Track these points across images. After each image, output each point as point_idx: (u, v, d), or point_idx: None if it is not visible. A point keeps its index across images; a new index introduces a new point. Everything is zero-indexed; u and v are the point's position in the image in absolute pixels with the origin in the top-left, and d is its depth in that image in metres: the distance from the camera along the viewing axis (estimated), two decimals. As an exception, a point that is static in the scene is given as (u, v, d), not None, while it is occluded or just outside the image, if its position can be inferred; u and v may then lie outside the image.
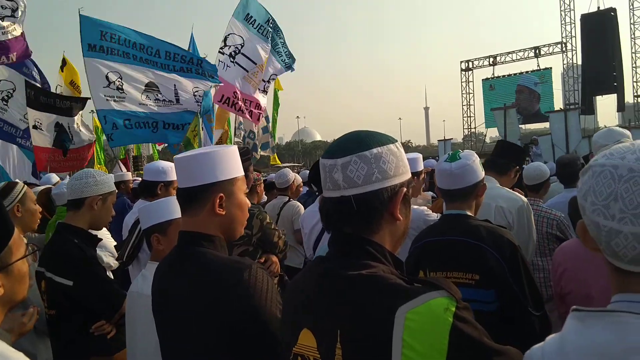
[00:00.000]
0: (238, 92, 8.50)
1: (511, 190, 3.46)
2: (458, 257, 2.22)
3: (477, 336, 1.10)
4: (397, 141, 1.29)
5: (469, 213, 2.33)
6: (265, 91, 9.29)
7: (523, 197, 3.42)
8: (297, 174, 7.23)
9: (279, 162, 14.88)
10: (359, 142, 1.25)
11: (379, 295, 1.12)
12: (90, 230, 2.87)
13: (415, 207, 3.61)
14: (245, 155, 3.38)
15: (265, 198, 6.60)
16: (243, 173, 1.78)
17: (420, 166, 3.90)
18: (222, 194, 1.67)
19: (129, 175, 8.64)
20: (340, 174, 1.23)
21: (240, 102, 8.53)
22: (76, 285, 2.62)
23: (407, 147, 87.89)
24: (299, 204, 5.95)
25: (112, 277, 3.48)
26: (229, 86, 8.35)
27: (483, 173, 2.41)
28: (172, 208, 2.37)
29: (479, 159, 2.40)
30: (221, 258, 1.64)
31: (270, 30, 8.82)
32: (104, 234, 3.59)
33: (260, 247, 3.24)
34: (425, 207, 3.73)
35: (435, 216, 3.65)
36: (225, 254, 1.71)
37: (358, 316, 1.13)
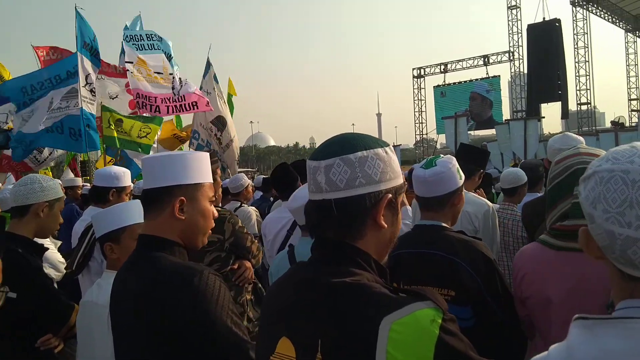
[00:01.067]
0: (152, 95, 9.20)
1: (477, 195, 3.49)
2: (432, 271, 2.15)
3: (463, 349, 1.06)
4: (387, 145, 1.24)
5: (443, 224, 2.25)
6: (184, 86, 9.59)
7: (489, 202, 3.45)
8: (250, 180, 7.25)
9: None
10: (344, 144, 1.20)
11: (363, 305, 1.07)
12: (36, 239, 2.72)
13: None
14: (211, 158, 3.29)
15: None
16: (211, 180, 1.72)
17: None
18: (183, 198, 1.62)
19: (79, 181, 8.46)
20: (323, 176, 1.18)
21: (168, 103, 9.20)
22: (20, 298, 2.46)
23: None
24: (251, 209, 5.93)
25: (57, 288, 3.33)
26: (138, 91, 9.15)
27: (461, 181, 2.31)
28: (125, 215, 2.29)
29: (456, 166, 2.30)
30: (173, 263, 1.57)
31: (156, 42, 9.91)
32: (49, 244, 3.45)
33: (232, 253, 3.15)
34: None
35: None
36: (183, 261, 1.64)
37: (340, 326, 1.07)
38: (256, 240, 3.39)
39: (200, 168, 1.69)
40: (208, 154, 1.79)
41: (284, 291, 1.25)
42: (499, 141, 13.82)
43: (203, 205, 1.68)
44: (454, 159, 2.33)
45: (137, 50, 9.50)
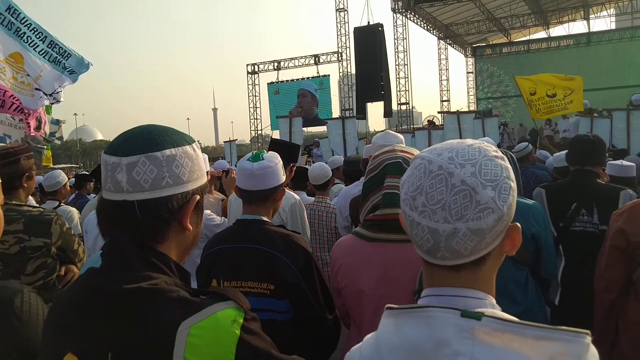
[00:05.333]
0: None
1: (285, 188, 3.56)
2: (253, 266, 2.14)
3: (266, 348, 1.04)
4: (194, 142, 1.15)
5: (265, 218, 2.26)
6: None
7: (295, 195, 3.57)
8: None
9: (52, 164, 13.50)
10: (151, 140, 1.08)
11: (159, 310, 0.99)
12: None
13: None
14: (24, 152, 2.95)
15: (31, 201, 5.89)
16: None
17: (206, 166, 3.80)
18: None
19: None
20: (125, 175, 1.05)
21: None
22: None
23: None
24: (71, 208, 5.44)
25: None
26: None
27: (284, 177, 2.36)
28: None
29: (281, 162, 2.34)
30: None
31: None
32: None
33: (59, 258, 2.89)
34: (209, 211, 3.65)
35: (219, 220, 3.59)
36: None
37: (134, 336, 0.98)
38: (82, 242, 3.16)
39: None
40: None
41: (71, 301, 1.09)
42: (330, 138, 14.43)
43: None
44: (278, 156, 2.36)
45: None
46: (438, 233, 0.91)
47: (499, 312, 0.92)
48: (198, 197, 1.14)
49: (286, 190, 3.49)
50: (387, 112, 26.47)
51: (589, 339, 0.85)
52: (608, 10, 30.70)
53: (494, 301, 0.96)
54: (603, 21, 32.65)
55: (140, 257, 1.07)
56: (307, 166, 5.79)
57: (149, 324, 0.98)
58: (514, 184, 0.94)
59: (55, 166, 16.67)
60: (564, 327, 0.86)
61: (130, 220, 1.06)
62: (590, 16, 29.69)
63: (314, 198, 4.62)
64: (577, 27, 30.79)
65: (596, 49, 28.65)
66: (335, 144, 13.33)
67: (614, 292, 2.26)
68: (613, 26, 33.00)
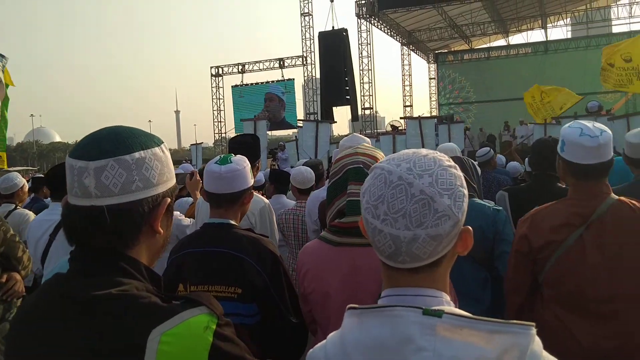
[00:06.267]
0: None
1: (253, 191, 3.54)
2: (220, 269, 2.13)
3: (239, 353, 1.04)
4: (163, 143, 1.14)
5: (232, 222, 2.26)
6: None
7: (264, 199, 3.54)
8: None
9: (6, 166, 13.07)
10: (119, 143, 1.05)
11: (129, 317, 0.97)
12: None
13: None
14: None
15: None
16: None
17: None
18: None
19: None
20: (93, 179, 1.03)
21: None
22: None
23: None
24: (28, 212, 5.31)
25: None
26: None
27: (252, 181, 2.36)
28: None
29: (249, 166, 2.34)
30: None
31: None
32: None
33: (0, 265, 2.82)
34: (178, 212, 3.61)
35: (188, 221, 3.55)
36: None
37: (103, 344, 0.95)
38: (27, 250, 3.06)
39: None
40: None
41: (38, 310, 1.05)
42: (299, 141, 14.42)
43: None
44: (246, 159, 2.36)
45: None
46: (399, 239, 0.96)
47: (456, 309, 0.97)
48: (169, 199, 1.13)
49: (255, 193, 3.49)
50: (355, 116, 26.66)
51: (534, 330, 0.92)
52: (564, 20, 31.65)
53: (449, 298, 1.03)
54: (560, 30, 33.73)
55: (110, 262, 1.05)
56: (289, 170, 5.75)
57: (118, 332, 0.96)
58: (466, 191, 1.01)
59: (10, 169, 16.17)
60: (514, 321, 0.92)
61: (100, 225, 1.04)
62: (548, 25, 30.63)
63: (294, 202, 4.58)
64: (536, 35, 31.72)
65: (553, 57, 29.53)
66: (307, 146, 13.33)
67: (521, 294, 2.35)
68: (569, 35, 34.11)
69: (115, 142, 1.05)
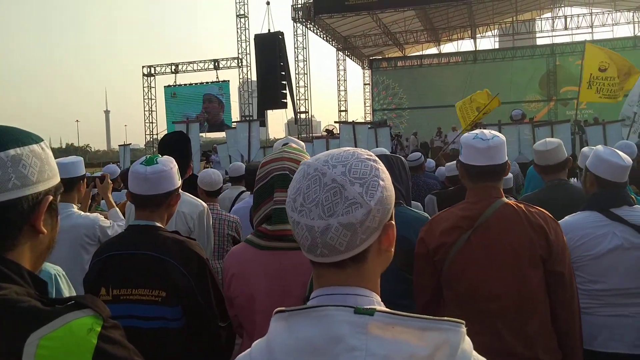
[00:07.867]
0: None
1: (192, 196, 3.52)
2: (144, 272, 2.09)
3: (126, 356, 0.99)
4: (42, 140, 1.10)
5: (158, 224, 2.21)
6: None
7: (203, 203, 3.52)
8: None
9: None
10: None
11: (6, 323, 0.91)
12: None
13: (88, 214, 3.39)
14: None
15: None
16: None
17: (82, 170, 3.60)
18: None
19: None
20: None
21: None
22: None
23: (86, 152, 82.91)
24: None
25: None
26: None
27: (180, 182, 2.32)
28: None
29: (177, 167, 2.30)
30: None
31: None
32: None
33: None
34: (98, 214, 3.50)
35: (109, 222, 3.47)
36: None
37: None
38: None
39: None
40: None
41: None
42: (228, 144, 14.38)
43: None
44: (174, 160, 2.31)
45: None
46: (314, 230, 0.95)
47: (387, 309, 0.96)
48: (51, 197, 1.09)
49: (192, 197, 3.42)
50: (295, 119, 26.76)
51: (464, 328, 0.92)
52: (492, 31, 33.03)
53: (380, 299, 1.01)
54: (488, 41, 35.11)
55: None
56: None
57: None
58: (384, 183, 0.99)
59: None
60: (445, 318, 0.93)
61: None
62: (477, 35, 31.85)
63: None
64: (465, 45, 32.97)
65: (482, 67, 30.76)
66: (242, 146, 13.29)
67: (425, 295, 2.41)
68: (497, 46, 35.62)
69: None
